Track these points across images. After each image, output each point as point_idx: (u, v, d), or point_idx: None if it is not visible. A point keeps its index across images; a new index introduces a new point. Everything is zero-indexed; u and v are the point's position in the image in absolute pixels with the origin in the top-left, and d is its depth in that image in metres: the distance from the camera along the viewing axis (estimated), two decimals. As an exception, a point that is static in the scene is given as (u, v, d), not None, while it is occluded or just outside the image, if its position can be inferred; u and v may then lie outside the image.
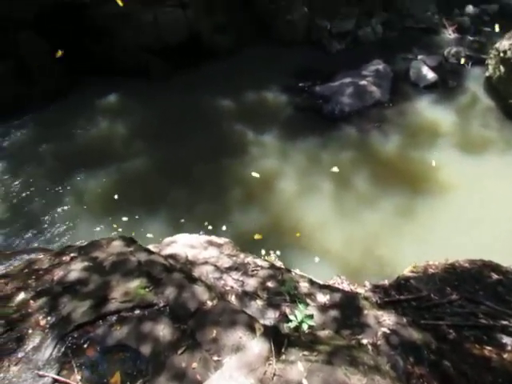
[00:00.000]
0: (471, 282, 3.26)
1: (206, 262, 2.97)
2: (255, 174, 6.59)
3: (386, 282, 3.78)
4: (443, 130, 6.98)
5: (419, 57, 8.86)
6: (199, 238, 3.40)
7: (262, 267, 2.86)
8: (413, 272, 3.79)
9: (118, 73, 9.14)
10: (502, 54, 7.52)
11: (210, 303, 2.14)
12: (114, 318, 2.05)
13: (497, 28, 7.18)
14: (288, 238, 5.61)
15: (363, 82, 8.15)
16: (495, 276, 3.28)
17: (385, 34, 10.38)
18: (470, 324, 2.74)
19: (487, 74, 7.96)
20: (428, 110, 7.48)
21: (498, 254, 4.03)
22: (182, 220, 5.77)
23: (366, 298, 2.91)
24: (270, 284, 2.67)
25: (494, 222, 5.19)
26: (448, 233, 5.09)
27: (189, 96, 8.54)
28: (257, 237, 5.45)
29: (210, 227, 5.43)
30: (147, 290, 2.22)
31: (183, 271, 2.50)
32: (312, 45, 10.32)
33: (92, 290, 2.23)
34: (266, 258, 4.62)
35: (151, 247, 3.22)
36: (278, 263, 3.89)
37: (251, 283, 2.71)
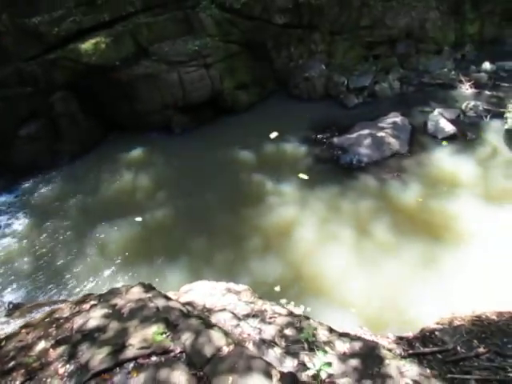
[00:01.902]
0: (499, 335, 3.12)
1: (223, 309, 2.97)
2: (274, 223, 6.71)
3: (411, 334, 3.65)
4: (463, 181, 6.94)
5: (437, 110, 9.01)
6: (217, 285, 3.41)
7: (280, 314, 2.83)
8: (438, 324, 3.66)
9: (142, 128, 9.77)
10: (519, 107, 7.63)
11: (226, 349, 2.13)
12: (132, 364, 2.06)
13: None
14: (308, 288, 5.53)
15: (381, 134, 8.32)
16: (524, 328, 3.14)
17: (402, 89, 10.70)
18: (499, 379, 2.60)
19: (506, 127, 8.01)
20: (447, 161, 7.49)
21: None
22: (202, 268, 5.81)
23: (390, 350, 2.82)
24: (287, 332, 2.63)
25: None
26: (472, 284, 4.92)
27: (209, 148, 8.92)
28: (277, 289, 5.45)
29: (228, 276, 5.42)
30: (164, 335, 2.23)
31: (200, 317, 2.51)
32: (330, 99, 10.73)
33: (110, 337, 2.26)
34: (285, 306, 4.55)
35: (170, 294, 3.25)
36: (297, 311, 3.82)
37: (269, 331, 2.68)
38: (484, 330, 3.25)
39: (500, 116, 8.40)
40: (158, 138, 9.73)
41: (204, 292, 3.17)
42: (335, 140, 8.77)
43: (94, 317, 2.45)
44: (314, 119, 9.79)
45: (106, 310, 2.52)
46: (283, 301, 4.85)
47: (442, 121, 8.47)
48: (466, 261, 5.39)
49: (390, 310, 4.92)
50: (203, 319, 2.34)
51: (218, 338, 2.12)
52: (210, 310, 2.95)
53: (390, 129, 8.48)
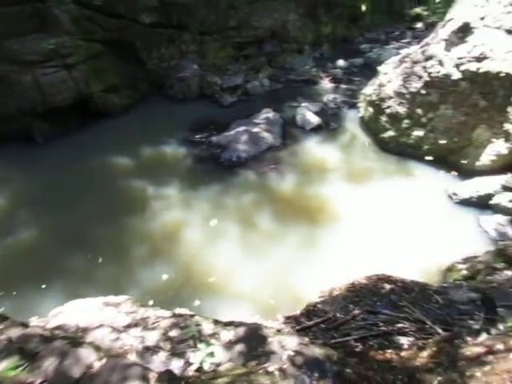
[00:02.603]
0: (370, 296, 3.47)
1: (100, 325, 2.71)
2: (160, 229, 6.47)
3: (298, 312, 3.83)
4: (330, 166, 7.66)
5: (303, 104, 9.78)
6: (93, 302, 3.11)
7: (164, 318, 2.70)
8: (320, 297, 3.91)
9: (-2, 140, 8.47)
10: (368, 98, 8.68)
11: (97, 364, 1.92)
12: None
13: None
14: (200, 287, 5.45)
15: (256, 130, 8.67)
16: (388, 286, 3.55)
17: (272, 87, 11.33)
18: (373, 334, 2.87)
19: (360, 115, 9.07)
20: (316, 150, 8.18)
21: (390, 267, 4.40)
22: (81, 288, 5.27)
23: (279, 330, 2.90)
24: (172, 333, 2.52)
25: (383, 239, 5.70)
26: (347, 256, 5.43)
27: (80, 157, 8.20)
28: (169, 293, 5.25)
29: (114, 290, 5.01)
30: (20, 369, 1.92)
31: (67, 338, 2.23)
32: (205, 98, 10.81)
33: None
34: (179, 308, 4.41)
35: (36, 321, 2.86)
36: (187, 312, 3.71)
37: (152, 336, 2.53)
38: (357, 294, 3.59)
39: (354, 106, 9.49)
40: (17, 149, 8.55)
41: (77, 311, 2.85)
42: (214, 139, 8.85)
43: None
44: (192, 119, 9.75)
45: None
46: (176, 304, 4.70)
47: (308, 113, 9.19)
48: (341, 236, 5.93)
49: (279, 293, 5.13)
50: (71, 339, 2.09)
51: (87, 356, 1.91)
52: (85, 329, 2.66)
53: (264, 124, 8.90)
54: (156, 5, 10.52)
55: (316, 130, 8.91)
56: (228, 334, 2.38)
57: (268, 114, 9.36)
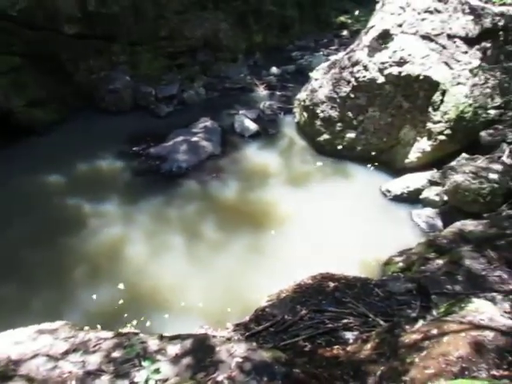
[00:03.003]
0: (315, 295, 3.57)
1: (35, 355, 2.52)
2: (100, 247, 6.17)
3: (247, 318, 3.83)
4: (271, 171, 7.81)
5: (240, 111, 9.89)
6: (25, 331, 2.88)
7: (106, 339, 2.56)
8: (268, 301, 3.94)
9: None
10: (302, 103, 8.98)
11: (33, 397, 1.78)
12: None
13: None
14: (147, 303, 5.29)
15: (195, 139, 8.60)
16: (332, 284, 3.68)
17: (208, 95, 11.30)
18: (320, 332, 2.95)
19: (296, 120, 9.36)
20: (256, 156, 8.30)
21: (333, 265, 4.57)
22: (12, 318, 4.84)
23: (229, 339, 2.88)
24: (116, 354, 2.40)
25: (326, 238, 5.90)
26: (293, 257, 5.55)
27: (5, 177, 7.58)
28: (113, 314, 5.01)
29: (50, 317, 4.67)
30: None
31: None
32: (141, 110, 10.50)
33: None
34: (123, 328, 4.22)
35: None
36: (132, 330, 3.56)
37: (94, 360, 2.39)
38: (304, 294, 3.68)
39: (290, 111, 9.77)
40: None
41: (7, 343, 2.62)
42: (152, 150, 8.63)
43: None
44: (128, 132, 9.43)
45: None
46: (121, 324, 4.52)
47: (246, 121, 9.31)
48: (285, 239, 6.05)
49: (228, 301, 5.10)
50: (1, 373, 1.91)
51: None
52: (17, 361, 2.45)
53: (203, 133, 8.85)
54: (78, 15, 10.07)
55: (255, 136, 9.04)
56: (174, 348, 2.31)
57: (206, 122, 9.33)
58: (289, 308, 3.45)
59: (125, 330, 3.33)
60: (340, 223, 6.28)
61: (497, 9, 8.70)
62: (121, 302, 5.27)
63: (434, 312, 2.72)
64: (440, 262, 4.38)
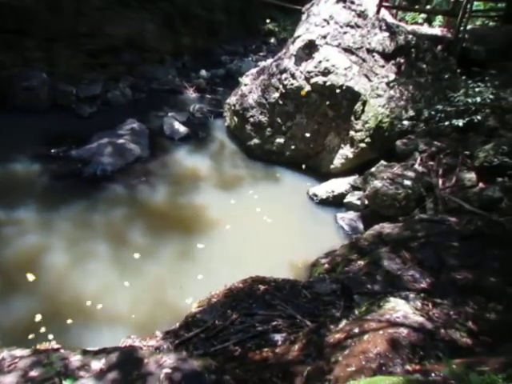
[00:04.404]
0: (246, 299, 3.61)
1: None
2: (14, 258, 5.63)
3: (177, 325, 3.76)
4: (201, 175, 7.75)
5: (170, 114, 9.67)
6: None
7: (22, 357, 2.35)
8: (199, 307, 3.90)
9: None
10: (232, 108, 9.06)
11: None
12: None
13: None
14: (69, 316, 4.90)
15: (121, 141, 8.24)
16: (262, 287, 3.75)
17: (134, 96, 10.89)
18: (250, 335, 2.99)
19: (226, 124, 9.41)
20: (186, 159, 8.18)
21: (264, 268, 4.66)
22: None
23: (158, 348, 2.80)
24: (33, 373, 2.21)
25: (257, 241, 6.00)
26: (224, 262, 5.55)
27: None
28: (31, 330, 4.61)
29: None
30: None
31: None
32: (60, 109, 9.79)
33: None
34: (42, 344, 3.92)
35: None
36: (51, 346, 3.31)
37: (9, 381, 2.18)
38: (234, 298, 3.70)
39: (220, 115, 9.80)
40: None
41: None
42: (74, 152, 8.09)
43: None
44: (46, 133, 8.71)
45: None
46: (40, 340, 4.19)
47: (175, 123, 9.14)
48: (216, 244, 6.03)
49: (157, 309, 4.95)
50: None
51: None
52: None
53: (130, 135, 8.51)
54: (-15, 6, 9.17)
55: (184, 139, 8.91)
56: (99, 363, 2.19)
57: (133, 124, 8.98)
58: (219, 313, 3.44)
59: (43, 347, 3.08)
60: (269, 227, 6.43)
61: (409, 27, 9.61)
62: (39, 315, 4.87)
63: (356, 311, 2.90)
64: (361, 262, 4.68)
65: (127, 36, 11.93)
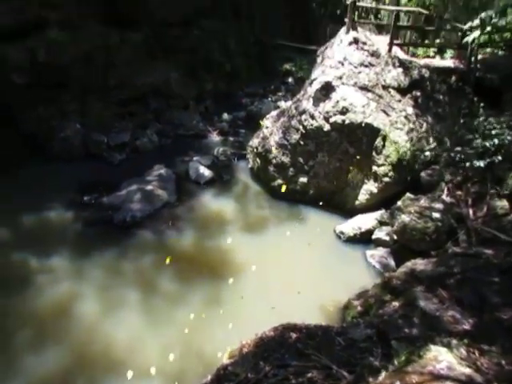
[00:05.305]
0: (278, 348, 3.54)
1: None
2: (48, 306, 5.76)
3: (209, 379, 3.70)
4: (227, 217, 7.85)
5: (195, 158, 9.97)
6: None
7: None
8: (230, 358, 3.85)
9: None
10: (255, 150, 9.27)
11: None
12: None
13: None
14: (100, 365, 4.96)
15: (149, 187, 8.51)
16: (294, 335, 3.67)
17: (161, 142, 11.33)
18: (284, 389, 2.91)
19: (250, 165, 9.60)
20: (211, 203, 8.33)
21: (295, 313, 4.57)
22: None
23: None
24: None
25: (286, 284, 5.93)
26: (254, 308, 5.50)
27: None
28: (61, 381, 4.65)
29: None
30: None
31: None
32: (93, 158, 10.28)
33: None
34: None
35: None
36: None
37: None
38: (266, 348, 3.63)
39: (243, 157, 10.01)
40: None
41: None
42: (105, 199, 8.40)
43: None
44: (79, 180, 9.13)
45: None
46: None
47: (200, 167, 9.40)
48: (245, 289, 5.98)
49: (189, 359, 4.92)
50: None
51: None
52: None
53: (157, 181, 8.79)
54: (27, 65, 9.95)
55: (210, 183, 9.11)
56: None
57: (160, 170, 9.30)
58: (251, 365, 3.38)
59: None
60: (298, 268, 6.37)
61: (422, 61, 9.76)
62: (70, 365, 4.93)
63: (395, 361, 2.80)
64: (396, 304, 4.54)
65: (154, 85, 12.59)
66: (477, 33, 7.09)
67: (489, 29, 6.75)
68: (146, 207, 8.02)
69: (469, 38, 6.88)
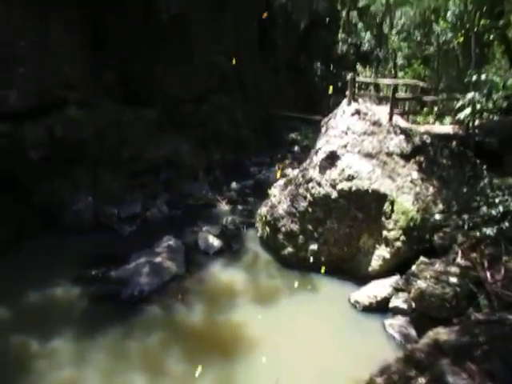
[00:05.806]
0: None
1: None
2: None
3: None
4: (237, 289, 7.63)
5: (204, 228, 9.98)
6: None
7: None
8: None
9: None
10: (263, 218, 9.28)
11: None
12: None
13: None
14: None
15: (158, 259, 8.42)
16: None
17: (171, 213, 11.47)
18: None
19: (259, 234, 9.56)
20: (221, 274, 8.17)
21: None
22: None
23: None
24: None
25: (300, 361, 5.59)
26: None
27: None
28: None
29: None
30: None
31: None
32: (103, 230, 10.34)
33: None
34: None
35: None
36: None
37: None
38: None
39: (252, 225, 10.01)
40: None
41: None
42: (113, 273, 8.28)
43: None
44: (88, 253, 9.08)
45: None
46: None
47: (209, 237, 9.37)
48: (257, 366, 5.63)
49: None
50: None
51: None
52: None
53: (166, 252, 8.72)
54: (45, 141, 10.44)
55: (219, 253, 9.02)
56: None
57: (169, 241, 9.26)
58: None
59: None
60: (313, 342, 6.03)
61: (422, 128, 10.09)
62: None
63: None
64: (423, 380, 4.24)
65: (165, 157, 13.04)
66: (468, 110, 7.64)
67: (478, 107, 7.28)
68: (154, 280, 7.85)
69: (461, 115, 7.27)
